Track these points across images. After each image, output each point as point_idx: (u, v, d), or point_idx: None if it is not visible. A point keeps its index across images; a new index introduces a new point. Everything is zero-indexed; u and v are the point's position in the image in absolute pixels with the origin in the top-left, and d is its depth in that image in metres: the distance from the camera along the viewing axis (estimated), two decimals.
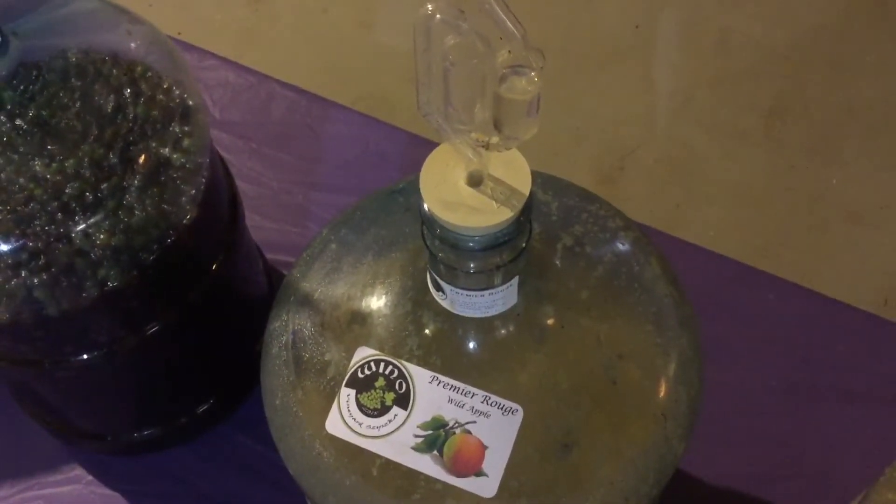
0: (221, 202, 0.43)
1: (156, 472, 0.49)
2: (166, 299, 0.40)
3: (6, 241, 0.34)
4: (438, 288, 0.31)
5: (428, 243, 0.29)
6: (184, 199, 0.37)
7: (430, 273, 0.31)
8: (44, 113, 0.35)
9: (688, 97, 1.12)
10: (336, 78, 1.13)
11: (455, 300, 0.31)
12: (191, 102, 0.38)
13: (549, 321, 0.32)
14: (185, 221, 0.38)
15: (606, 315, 0.33)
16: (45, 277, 0.35)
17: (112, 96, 0.36)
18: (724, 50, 1.16)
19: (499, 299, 0.30)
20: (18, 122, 0.35)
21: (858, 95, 1.11)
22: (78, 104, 0.36)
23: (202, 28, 1.19)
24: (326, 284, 0.35)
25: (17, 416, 0.49)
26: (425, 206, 0.28)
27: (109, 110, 0.36)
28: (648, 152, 1.07)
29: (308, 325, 0.34)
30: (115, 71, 0.37)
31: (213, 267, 0.42)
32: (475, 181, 0.27)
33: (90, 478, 0.49)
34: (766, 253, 0.99)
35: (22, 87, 0.35)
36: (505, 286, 0.30)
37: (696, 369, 0.34)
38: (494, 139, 0.26)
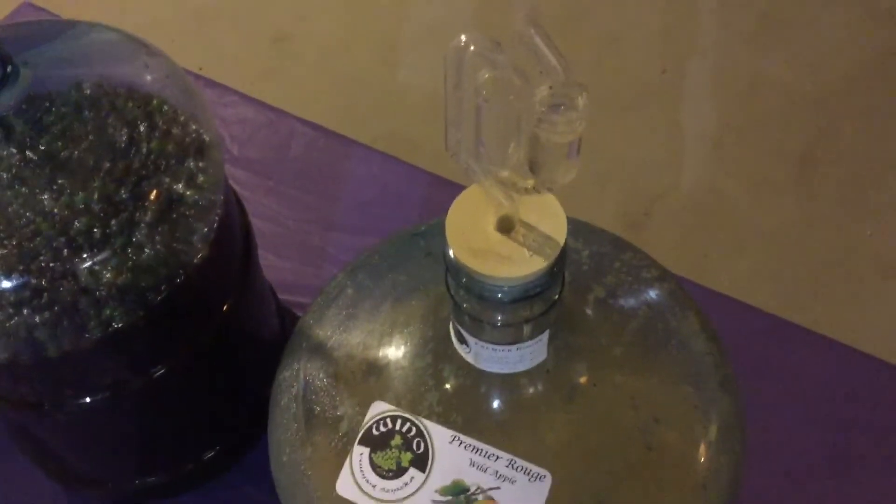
0: (234, 241, 0.42)
1: None
2: (173, 341, 0.39)
3: (8, 278, 0.33)
4: (462, 340, 0.29)
5: (452, 292, 0.27)
6: (195, 237, 0.37)
7: (453, 324, 0.30)
8: (54, 145, 0.34)
9: (716, 143, 1.11)
10: (357, 116, 1.13)
11: (480, 354, 0.29)
12: (206, 138, 0.37)
13: (581, 379, 0.31)
14: (195, 261, 0.37)
15: (641, 373, 0.32)
16: (47, 316, 0.34)
17: (125, 130, 0.36)
18: (753, 96, 1.14)
19: (527, 354, 0.29)
20: (28, 153, 0.34)
21: (892, 145, 1.09)
22: (90, 137, 0.35)
23: (224, 64, 1.19)
24: (341, 332, 0.34)
25: (15, 459, 0.47)
26: (451, 253, 0.26)
27: (122, 144, 0.35)
28: (675, 199, 1.06)
29: (320, 375, 0.33)
30: (129, 104, 0.36)
31: (224, 308, 0.41)
32: (506, 227, 0.26)
33: None
34: (797, 306, 0.96)
35: (33, 119, 0.34)
36: (534, 341, 0.28)
37: (739, 436, 0.32)
38: (529, 182, 0.24)
